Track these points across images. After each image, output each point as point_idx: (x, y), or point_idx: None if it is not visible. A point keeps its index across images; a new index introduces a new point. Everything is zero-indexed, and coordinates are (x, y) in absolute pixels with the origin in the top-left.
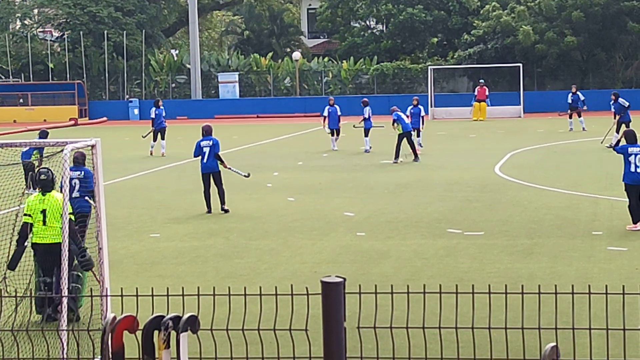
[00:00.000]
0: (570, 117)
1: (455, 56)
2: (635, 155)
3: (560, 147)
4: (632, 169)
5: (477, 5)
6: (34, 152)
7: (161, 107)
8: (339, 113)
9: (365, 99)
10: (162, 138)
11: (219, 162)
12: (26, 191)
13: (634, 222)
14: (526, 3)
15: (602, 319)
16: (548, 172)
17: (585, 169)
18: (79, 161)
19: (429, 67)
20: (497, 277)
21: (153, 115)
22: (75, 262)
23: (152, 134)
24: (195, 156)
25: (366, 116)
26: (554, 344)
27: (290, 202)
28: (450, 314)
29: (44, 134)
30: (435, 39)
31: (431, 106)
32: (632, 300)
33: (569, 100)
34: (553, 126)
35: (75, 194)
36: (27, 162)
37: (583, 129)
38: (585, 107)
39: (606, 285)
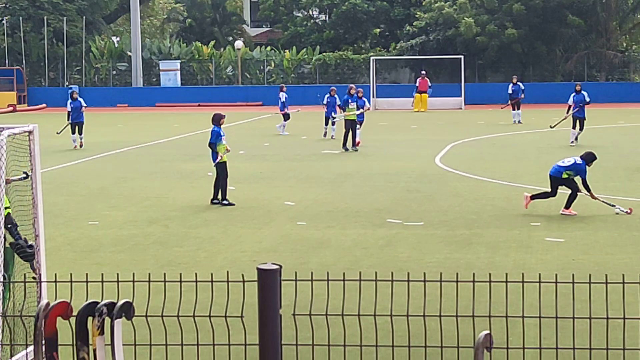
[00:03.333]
0: (514, 108)
1: (397, 47)
2: None
3: (500, 139)
4: None
5: None
6: None
7: (78, 100)
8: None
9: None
10: (80, 132)
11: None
12: None
13: None
14: None
15: (535, 308)
16: (488, 164)
17: (524, 161)
18: None
19: (371, 57)
20: (436, 267)
21: (69, 109)
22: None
23: (69, 127)
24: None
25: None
26: (487, 331)
27: (231, 191)
28: (388, 302)
29: None
30: (378, 30)
31: (373, 97)
32: (566, 290)
33: (509, 91)
34: (493, 118)
35: None
36: None
37: (519, 121)
38: (522, 96)
39: (539, 274)
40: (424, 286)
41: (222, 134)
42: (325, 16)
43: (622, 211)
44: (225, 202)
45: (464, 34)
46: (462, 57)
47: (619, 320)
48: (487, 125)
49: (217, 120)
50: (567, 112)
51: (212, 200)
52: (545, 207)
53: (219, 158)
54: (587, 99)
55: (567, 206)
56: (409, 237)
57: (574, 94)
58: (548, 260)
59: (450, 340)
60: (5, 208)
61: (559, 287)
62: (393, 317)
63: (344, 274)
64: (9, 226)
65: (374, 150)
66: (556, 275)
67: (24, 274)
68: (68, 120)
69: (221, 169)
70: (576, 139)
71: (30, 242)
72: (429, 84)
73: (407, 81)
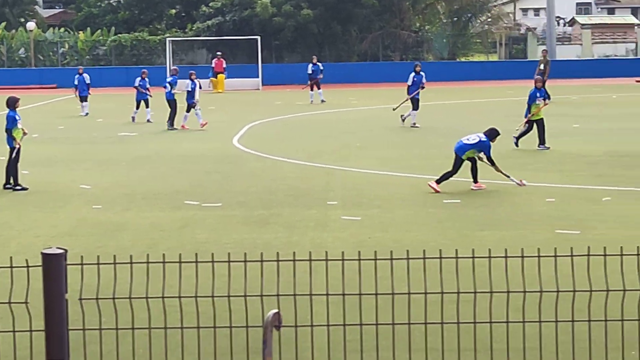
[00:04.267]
0: (312, 88)
1: (193, 28)
2: None
3: (297, 119)
4: None
5: None
6: None
7: None
8: (87, 81)
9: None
10: None
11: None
12: None
13: None
14: None
15: (332, 286)
16: (285, 144)
17: (321, 141)
18: None
19: (167, 38)
20: (233, 248)
21: None
22: None
23: None
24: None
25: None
26: (276, 310)
27: (25, 175)
28: (181, 284)
29: None
30: (174, 11)
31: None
32: (364, 267)
33: (309, 71)
34: (291, 98)
35: None
36: None
37: (322, 100)
38: (321, 76)
39: (326, 252)
40: (212, 267)
41: (17, 118)
42: None
43: (515, 182)
44: (18, 187)
45: (260, 15)
46: (258, 37)
47: (404, 296)
48: (284, 105)
49: (12, 103)
50: (408, 93)
51: (4, 185)
52: (342, 186)
53: (16, 143)
54: (424, 80)
55: (475, 180)
56: (207, 219)
57: (413, 74)
58: (345, 239)
59: (240, 321)
60: None
61: (355, 264)
62: (182, 298)
63: (131, 256)
64: None
65: (172, 133)
66: (342, 253)
67: None
68: None
69: (11, 153)
70: (403, 120)
71: None
72: (225, 65)
73: (205, 62)
